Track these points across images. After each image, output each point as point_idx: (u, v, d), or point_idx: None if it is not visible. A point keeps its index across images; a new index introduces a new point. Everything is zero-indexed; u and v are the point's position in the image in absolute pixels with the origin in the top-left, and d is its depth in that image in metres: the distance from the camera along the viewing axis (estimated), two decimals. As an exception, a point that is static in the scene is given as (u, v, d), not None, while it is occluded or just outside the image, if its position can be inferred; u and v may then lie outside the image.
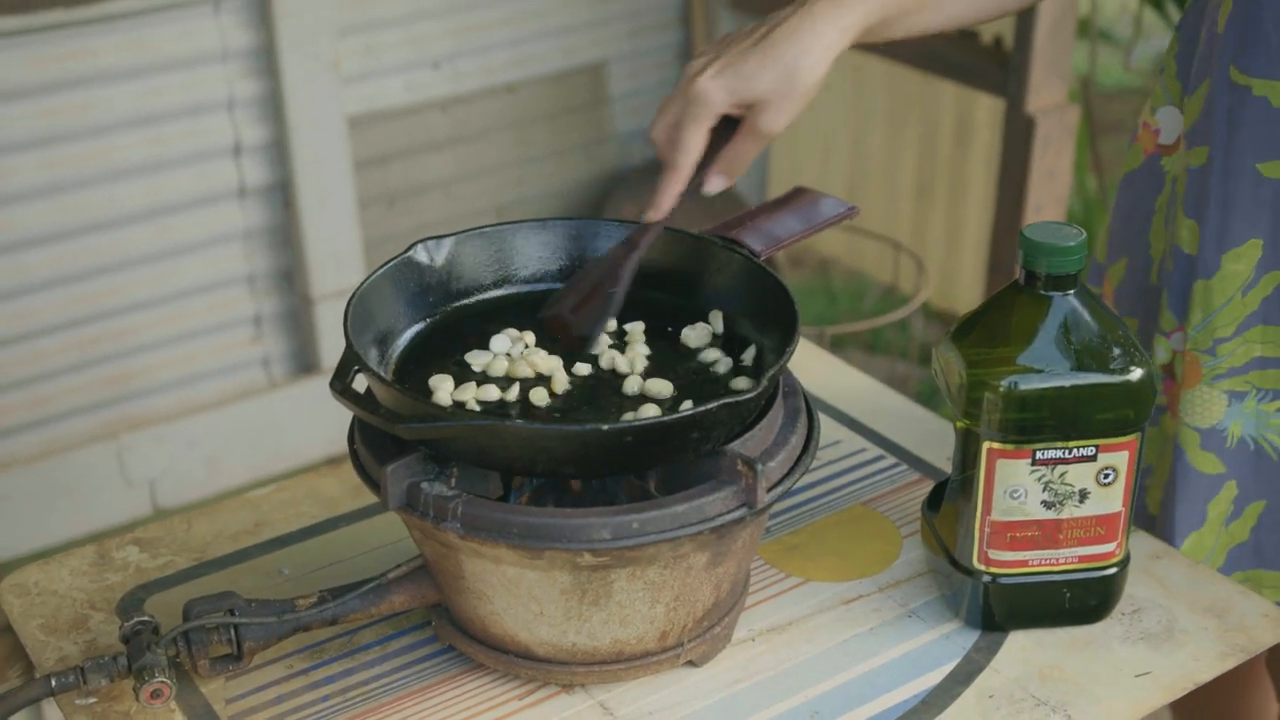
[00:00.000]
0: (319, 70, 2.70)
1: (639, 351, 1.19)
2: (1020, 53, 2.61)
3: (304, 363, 2.86)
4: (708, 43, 3.19)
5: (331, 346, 2.81)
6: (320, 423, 2.83)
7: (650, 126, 1.25)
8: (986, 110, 2.93)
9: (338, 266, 2.82)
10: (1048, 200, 2.70)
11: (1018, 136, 2.65)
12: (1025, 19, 2.59)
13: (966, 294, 3.11)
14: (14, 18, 2.39)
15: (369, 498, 1.30)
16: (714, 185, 1.23)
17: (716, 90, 1.19)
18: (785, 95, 1.19)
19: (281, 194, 2.76)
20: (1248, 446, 1.44)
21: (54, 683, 0.98)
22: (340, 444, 2.80)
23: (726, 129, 1.22)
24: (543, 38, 3.06)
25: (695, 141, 1.19)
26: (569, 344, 1.18)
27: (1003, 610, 1.13)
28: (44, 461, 2.56)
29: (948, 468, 1.30)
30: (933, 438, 1.42)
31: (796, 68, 1.19)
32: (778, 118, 1.20)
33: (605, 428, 1.01)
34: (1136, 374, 1.12)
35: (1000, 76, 2.67)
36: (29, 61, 2.43)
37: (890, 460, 1.37)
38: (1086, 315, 1.14)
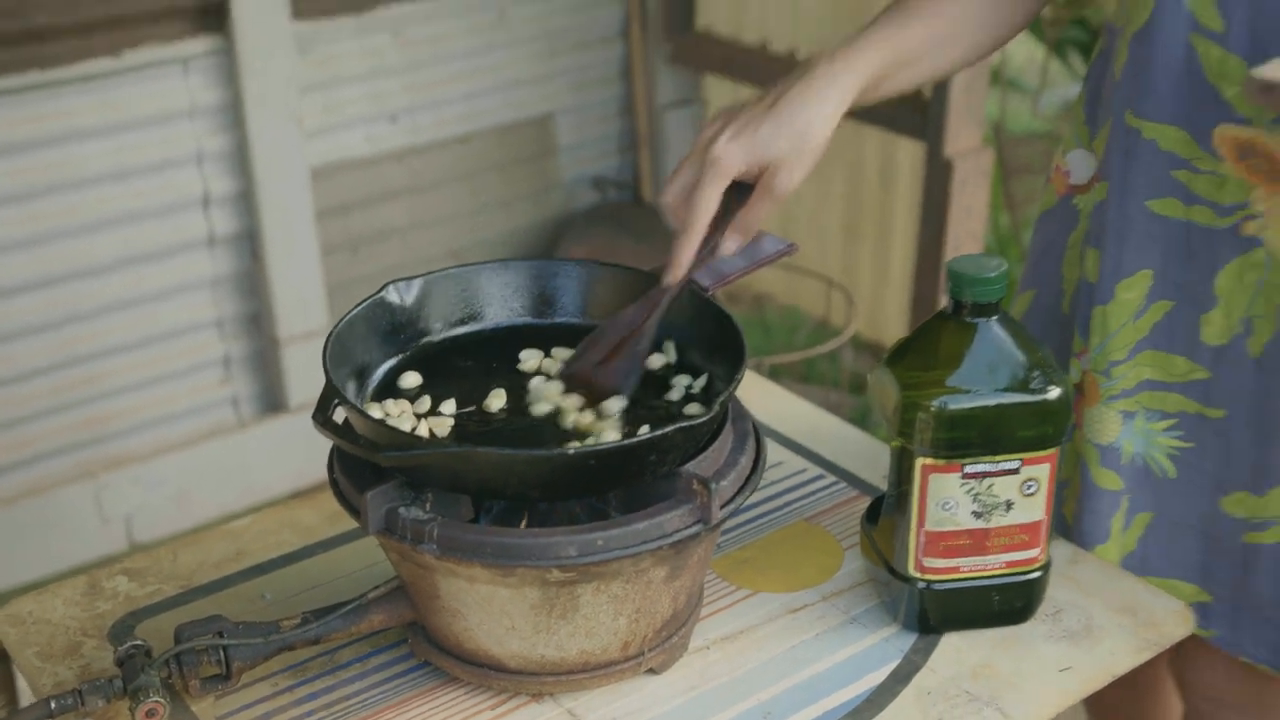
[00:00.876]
0: (283, 125, 2.70)
1: None
2: (938, 101, 2.64)
3: (271, 402, 2.86)
4: (643, 98, 3.26)
5: (298, 386, 2.83)
6: (287, 459, 2.81)
7: (662, 193, 1.26)
8: (908, 154, 2.97)
9: (303, 310, 2.81)
10: (965, 237, 2.73)
11: (937, 179, 2.68)
12: None
13: (893, 325, 3.13)
14: (10, 74, 2.38)
15: (344, 525, 1.31)
16: (730, 246, 1.24)
17: (735, 153, 1.21)
18: (798, 156, 1.23)
19: (249, 242, 2.76)
20: (1138, 463, 1.46)
21: (53, 705, 0.98)
22: (306, 478, 2.81)
23: (731, 194, 1.23)
24: (493, 92, 3.08)
25: (712, 202, 1.21)
26: (596, 397, 1.18)
27: (937, 614, 1.15)
28: (25, 500, 2.54)
29: (883, 484, 1.33)
30: (867, 457, 1.44)
31: (808, 131, 1.23)
32: (792, 177, 1.23)
33: (571, 452, 1.03)
34: (1054, 393, 1.15)
35: (920, 123, 2.70)
36: (7, 122, 2.42)
37: (830, 479, 1.39)
38: (1008, 340, 1.17)
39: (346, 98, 2.86)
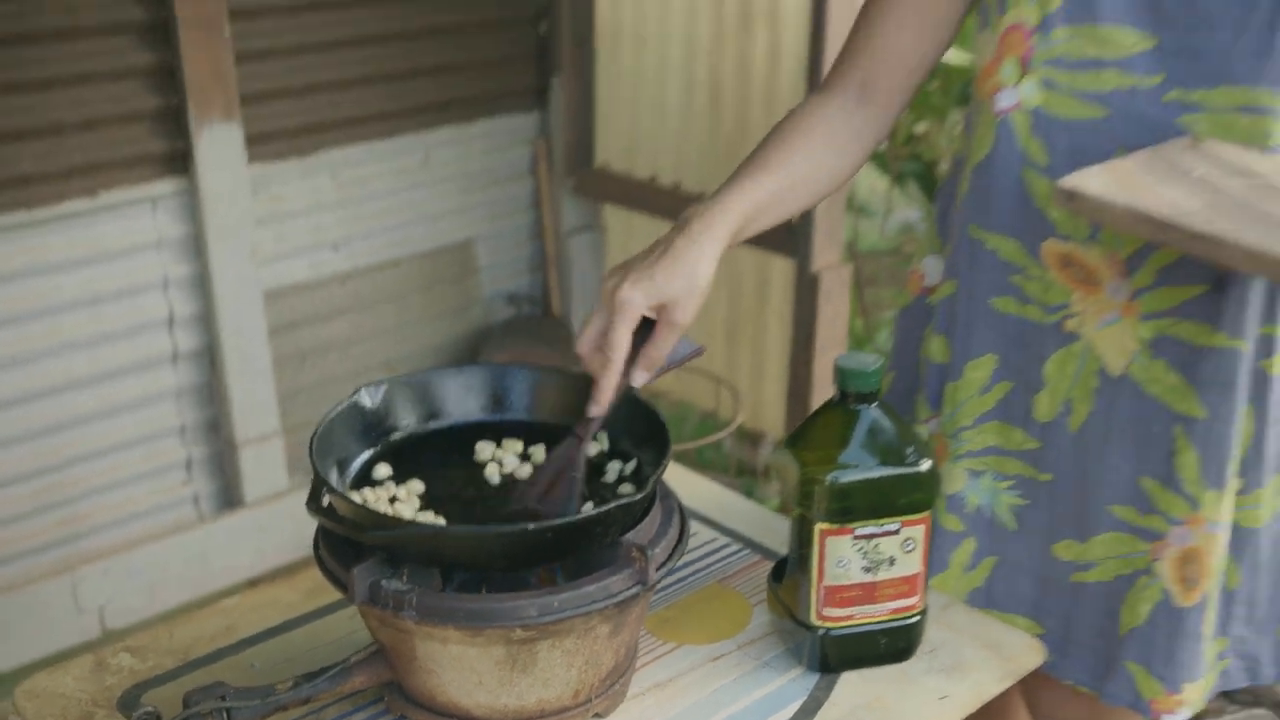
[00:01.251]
0: (240, 254, 2.69)
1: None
2: (804, 225, 2.68)
3: (228, 499, 2.81)
4: (551, 225, 3.30)
5: (252, 484, 2.79)
6: (243, 549, 2.78)
7: (577, 343, 1.28)
8: (780, 270, 2.99)
9: (257, 417, 2.78)
10: (830, 340, 2.75)
11: (806, 290, 2.72)
12: None
13: (771, 417, 3.14)
14: None
15: (320, 601, 1.32)
16: (641, 379, 1.26)
17: (638, 297, 1.23)
18: (689, 294, 1.25)
19: (208, 357, 2.73)
20: (984, 514, 1.50)
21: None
22: (260, 565, 2.79)
23: (636, 333, 1.25)
24: (420, 222, 3.08)
25: (625, 340, 1.23)
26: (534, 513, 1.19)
27: (836, 656, 1.18)
28: (7, 594, 2.49)
29: (779, 549, 1.37)
30: (764, 527, 1.47)
31: (694, 272, 1.25)
32: (687, 312, 1.25)
33: (531, 528, 1.06)
34: (926, 465, 1.19)
35: (791, 243, 2.73)
36: (5, 256, 2.40)
37: (735, 546, 1.42)
38: (886, 422, 1.20)
39: (293, 230, 2.85)
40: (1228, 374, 1.36)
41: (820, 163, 1.44)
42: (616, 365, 1.24)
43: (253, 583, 2.68)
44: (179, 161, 2.61)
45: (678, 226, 1.30)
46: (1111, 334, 1.40)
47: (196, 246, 2.66)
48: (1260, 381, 1.38)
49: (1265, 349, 1.36)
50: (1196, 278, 1.34)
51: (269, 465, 2.81)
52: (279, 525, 2.79)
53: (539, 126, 3.28)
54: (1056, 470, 1.47)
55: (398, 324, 3.10)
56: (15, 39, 2.33)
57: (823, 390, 2.75)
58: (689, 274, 1.26)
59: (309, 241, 2.89)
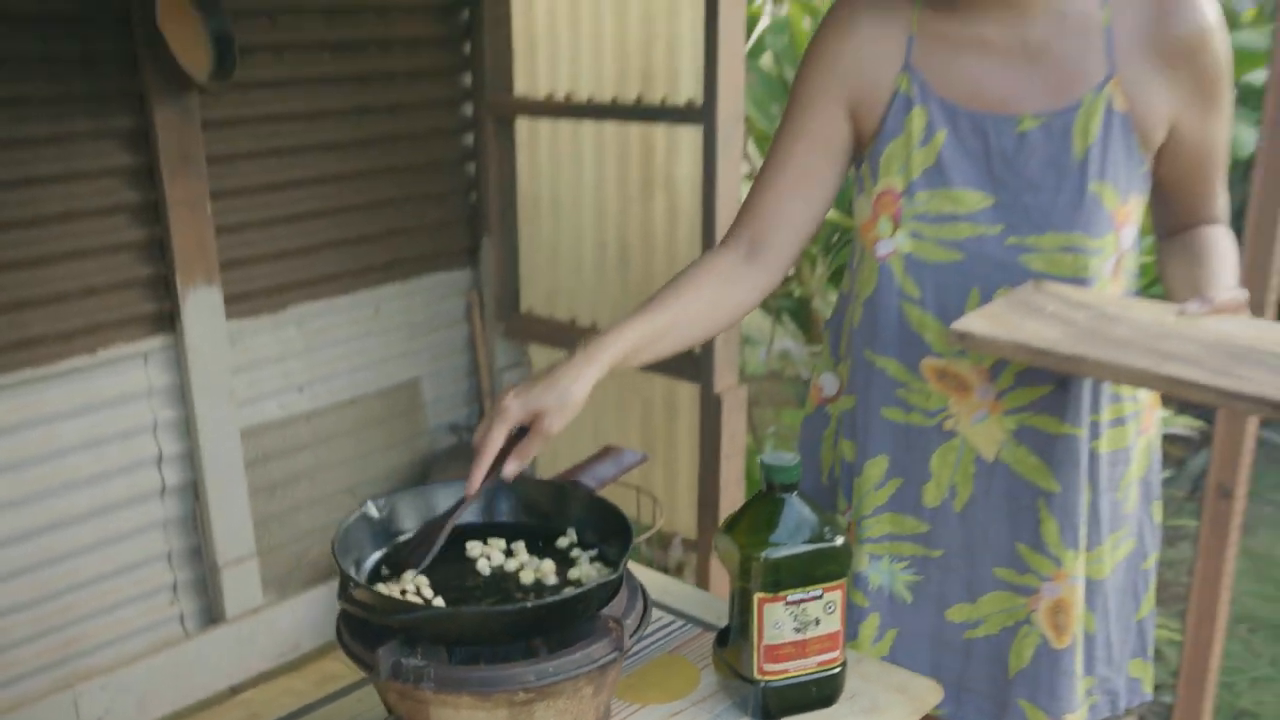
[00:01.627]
0: (220, 399, 2.68)
1: (525, 558, 1.30)
2: (706, 353, 2.71)
3: (211, 616, 2.76)
4: (485, 364, 3.32)
5: (233, 601, 2.74)
6: (225, 661, 2.71)
7: (474, 437, 1.32)
8: (687, 392, 3.00)
9: (235, 541, 2.75)
10: (732, 450, 2.77)
11: (710, 409, 2.75)
12: None
13: (684, 521, 3.13)
14: (10, 373, 2.35)
15: (329, 688, 1.35)
16: (510, 471, 1.31)
17: (515, 406, 1.29)
18: (560, 409, 1.30)
19: (192, 490, 2.70)
20: (884, 591, 1.55)
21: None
22: (240, 675, 2.70)
23: (515, 437, 1.31)
24: (373, 366, 3.08)
25: (498, 439, 1.28)
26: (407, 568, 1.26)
27: (775, 705, 1.23)
28: (13, 713, 2.43)
29: (714, 623, 1.42)
30: (702, 606, 1.51)
31: (567, 391, 1.30)
32: (555, 423, 1.30)
33: (530, 605, 1.13)
34: (839, 541, 1.23)
35: (695, 370, 2.77)
36: (6, 408, 2.37)
37: (680, 622, 1.46)
38: (805, 507, 1.25)
39: (265, 375, 2.84)
40: (1073, 455, 1.43)
41: (712, 304, 1.48)
42: (486, 458, 1.28)
43: (234, 689, 2.64)
44: (167, 320, 2.60)
45: (568, 353, 1.35)
46: (983, 428, 1.46)
47: (182, 393, 2.65)
48: (1093, 459, 1.45)
49: (1094, 433, 1.44)
50: (1045, 379, 1.41)
51: (246, 584, 2.77)
52: (257, 637, 2.73)
53: (472, 280, 3.30)
54: (946, 546, 1.51)
55: (356, 454, 3.08)
56: (29, 221, 2.34)
57: (729, 494, 2.76)
58: (562, 392, 1.30)
59: (279, 385, 2.88)
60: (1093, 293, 1.37)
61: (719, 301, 1.49)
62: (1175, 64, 1.35)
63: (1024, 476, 1.45)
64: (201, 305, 2.61)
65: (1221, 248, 1.43)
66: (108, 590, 2.61)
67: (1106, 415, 1.45)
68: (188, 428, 2.67)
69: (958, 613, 1.53)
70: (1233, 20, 4.43)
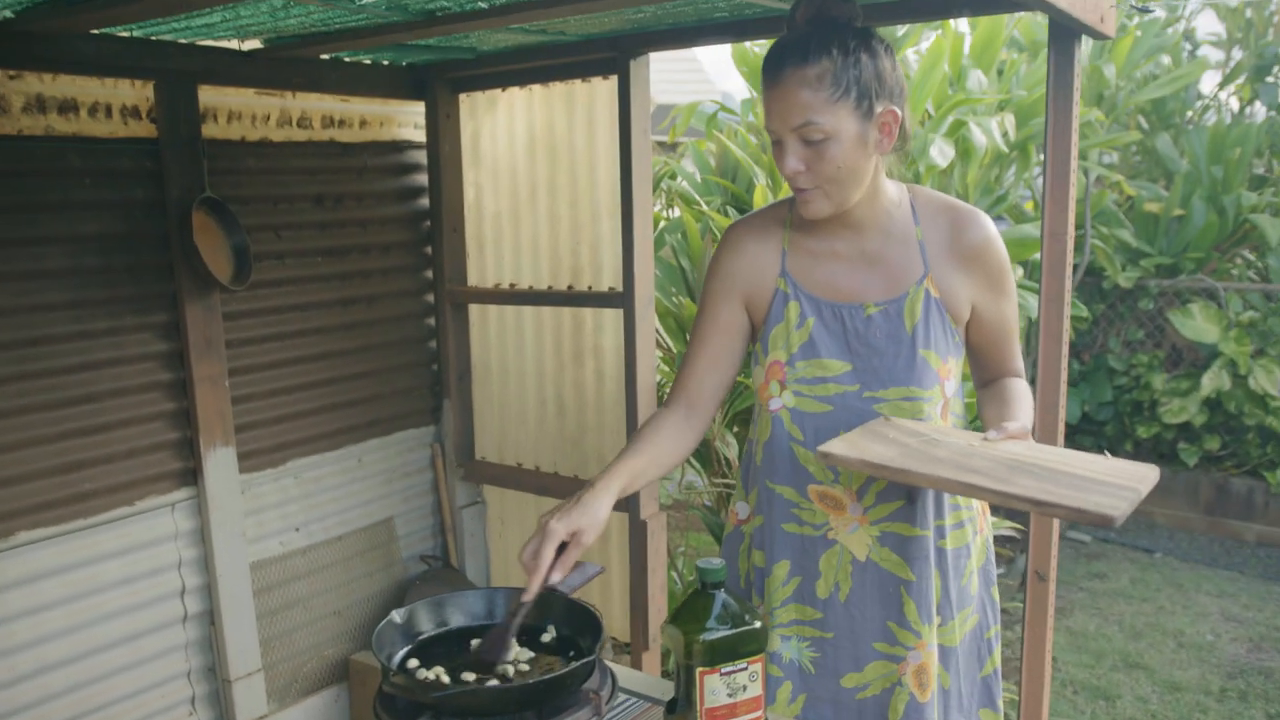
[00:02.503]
0: (233, 538, 2.73)
1: (523, 653, 1.43)
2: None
3: None
4: (447, 503, 3.37)
5: (243, 710, 2.75)
6: None
7: (520, 554, 1.45)
8: (617, 519, 3.02)
9: (244, 658, 2.77)
10: (656, 565, 2.84)
11: (638, 533, 2.83)
12: None
13: (618, 627, 3.18)
14: (48, 528, 2.40)
15: None
16: (556, 579, 1.43)
17: (559, 527, 1.43)
18: (591, 527, 1.45)
19: (209, 617, 2.73)
20: (794, 664, 1.65)
21: None
22: None
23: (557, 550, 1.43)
24: (356, 507, 3.14)
25: (548, 554, 1.41)
26: (487, 667, 1.37)
27: None
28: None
29: (665, 696, 1.49)
30: (652, 685, 1.59)
31: (596, 514, 1.45)
32: (589, 537, 1.45)
33: (548, 678, 1.27)
34: (757, 624, 1.34)
35: (624, 500, 2.80)
36: (57, 555, 2.43)
37: (635, 700, 1.54)
38: (731, 601, 1.35)
39: (269, 517, 2.90)
40: (924, 551, 1.59)
41: (670, 449, 1.66)
42: (541, 569, 1.42)
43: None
44: (190, 476, 2.66)
45: (586, 486, 1.50)
46: (855, 536, 1.61)
47: (202, 535, 2.69)
48: (940, 554, 1.62)
49: (939, 534, 1.62)
50: (897, 495, 1.59)
51: (254, 695, 2.79)
52: (262, 741, 2.77)
53: (436, 434, 3.37)
54: (836, 629, 1.64)
55: (342, 582, 3.11)
56: (85, 398, 2.44)
57: (655, 601, 2.82)
58: (593, 514, 1.46)
59: (280, 525, 2.93)
60: (925, 425, 1.57)
61: (674, 447, 1.67)
62: (969, 264, 1.61)
63: (889, 570, 1.62)
64: (219, 462, 2.70)
65: (1018, 393, 1.65)
66: (136, 705, 2.62)
67: (949, 520, 1.62)
68: (206, 564, 2.71)
69: (849, 680, 1.66)
70: (1019, 215, 4.89)
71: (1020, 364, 1.72)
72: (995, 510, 5.36)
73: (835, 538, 1.63)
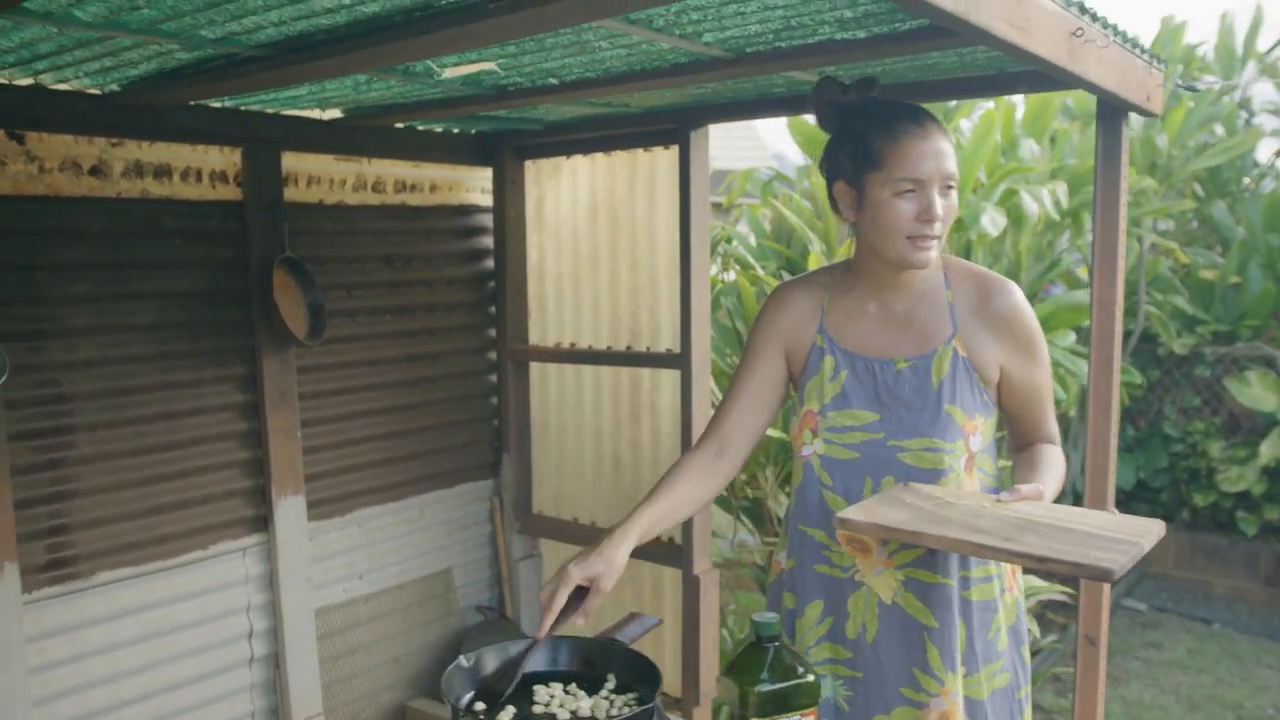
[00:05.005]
0: (300, 584, 2.82)
1: (586, 701, 1.49)
2: (686, 543, 2.87)
3: None
4: (504, 555, 3.46)
5: None
6: None
7: (540, 594, 1.52)
8: (670, 576, 3.12)
9: (307, 701, 2.83)
10: (709, 621, 2.87)
11: (690, 588, 2.87)
12: (688, 524, 2.88)
13: (670, 681, 3.06)
14: (128, 569, 2.50)
15: None
16: (581, 621, 1.51)
17: (576, 571, 1.51)
18: (609, 572, 1.53)
19: (274, 660, 2.81)
20: (829, 702, 1.71)
21: None
22: None
23: (577, 594, 1.51)
24: (415, 557, 3.22)
25: (562, 598, 1.49)
26: (493, 696, 1.45)
27: None
28: None
29: None
30: None
31: (613, 560, 1.53)
32: (607, 583, 1.52)
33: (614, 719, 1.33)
34: (811, 677, 1.36)
35: (677, 557, 2.90)
36: (138, 594, 2.53)
37: None
38: (785, 653, 1.37)
39: (334, 565, 2.98)
40: (946, 599, 1.63)
41: (693, 494, 1.73)
42: (554, 610, 1.49)
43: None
44: (261, 522, 2.76)
45: (605, 533, 1.58)
46: (881, 579, 1.66)
47: (271, 581, 2.78)
48: (965, 605, 1.66)
49: (964, 585, 1.65)
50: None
51: None
52: (321, 782, 2.82)
53: (495, 488, 3.46)
54: (865, 669, 1.69)
55: (402, 629, 3.18)
56: (167, 445, 2.56)
57: (706, 658, 2.85)
58: (609, 560, 1.54)
59: (344, 573, 3.02)
60: (941, 489, 1.61)
61: (698, 492, 1.75)
62: (998, 329, 1.67)
63: (912, 615, 1.66)
64: (289, 510, 2.80)
65: (1046, 459, 1.70)
66: (202, 745, 2.69)
67: (976, 573, 1.67)
68: (274, 609, 2.80)
69: None
70: (1073, 281, 4.91)
71: (1054, 429, 1.77)
72: (1045, 576, 5.31)
73: (862, 580, 1.69)
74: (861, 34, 1.86)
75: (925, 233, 1.62)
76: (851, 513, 1.52)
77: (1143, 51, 2.12)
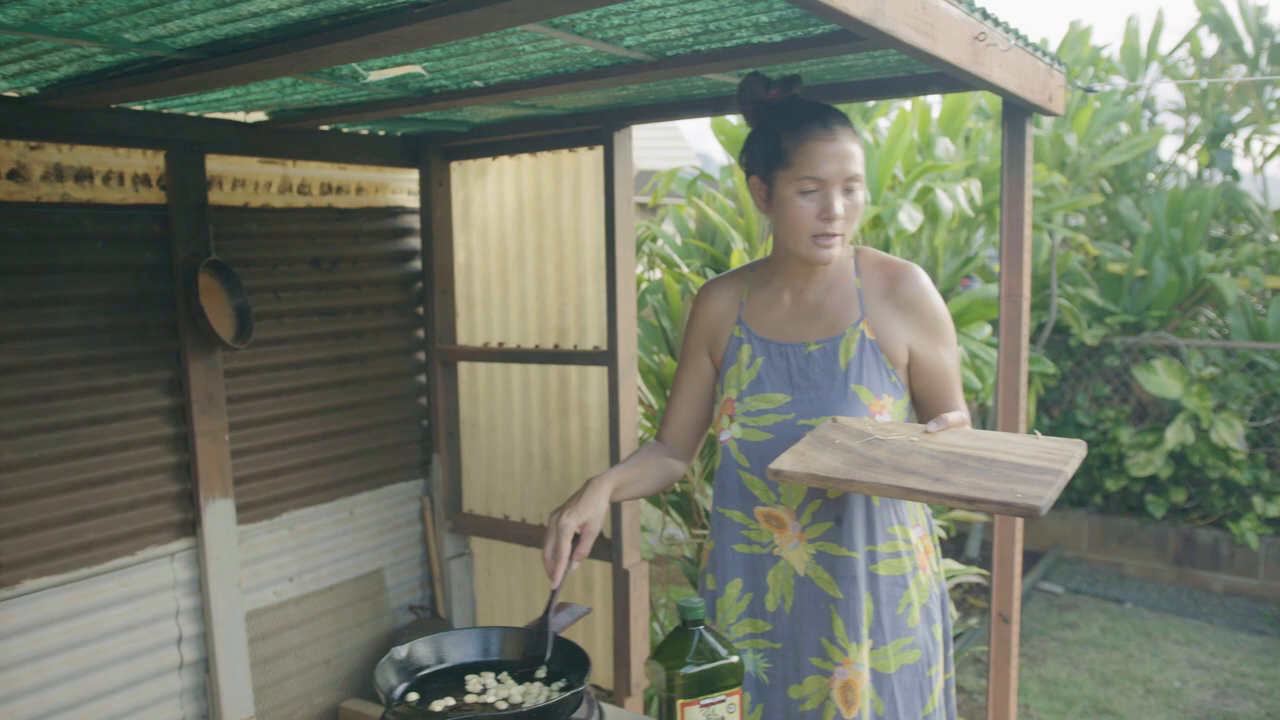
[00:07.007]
0: (229, 588, 2.81)
1: (516, 688, 1.52)
2: (616, 538, 2.91)
3: None
4: (435, 554, 3.47)
5: None
6: None
7: (543, 554, 1.58)
8: (601, 570, 3.17)
9: (238, 706, 2.82)
10: (639, 613, 2.92)
11: (620, 581, 2.92)
12: (618, 517, 2.93)
13: (601, 675, 3.22)
14: (52, 576, 2.47)
15: None
16: (575, 566, 1.58)
17: (571, 521, 1.58)
18: (596, 518, 1.60)
19: (205, 665, 2.80)
20: (751, 676, 1.77)
21: None
22: None
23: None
24: (347, 558, 3.22)
25: (567, 547, 1.56)
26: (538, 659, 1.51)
27: None
28: None
29: None
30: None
31: (599, 506, 1.61)
32: (596, 527, 1.60)
33: (542, 706, 1.36)
34: (735, 658, 1.42)
35: (607, 550, 2.93)
36: (62, 602, 2.50)
37: None
38: (710, 636, 1.43)
39: (264, 568, 2.98)
40: (852, 572, 1.69)
41: (654, 472, 1.82)
42: (563, 560, 1.56)
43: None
44: (189, 526, 2.75)
45: (584, 484, 1.66)
46: (795, 553, 1.73)
47: (200, 585, 2.77)
48: (872, 579, 1.72)
49: (871, 558, 1.72)
50: (828, 517, 1.70)
51: None
52: (254, 787, 2.82)
53: (425, 488, 3.47)
54: (783, 640, 1.76)
55: (334, 630, 3.18)
56: (93, 450, 2.54)
57: (637, 650, 2.91)
58: (596, 505, 1.62)
59: (274, 575, 3.01)
60: (870, 422, 1.66)
61: (660, 471, 1.85)
62: (905, 311, 1.75)
63: (821, 588, 1.73)
64: (218, 514, 2.79)
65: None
66: (130, 753, 2.66)
67: (883, 547, 1.74)
68: (203, 613, 2.79)
69: (794, 691, 1.77)
70: (988, 275, 5.07)
71: (964, 412, 1.84)
72: (958, 555, 5.46)
73: (780, 554, 1.76)
74: (778, 37, 1.93)
75: (826, 230, 1.69)
76: (784, 462, 1.53)
77: (1044, 54, 2.24)
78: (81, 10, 1.61)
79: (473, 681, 1.57)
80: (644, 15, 1.77)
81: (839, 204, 1.68)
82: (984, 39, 1.89)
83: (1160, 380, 5.47)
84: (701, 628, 1.45)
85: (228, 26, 1.75)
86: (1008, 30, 2.02)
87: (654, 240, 4.13)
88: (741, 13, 1.76)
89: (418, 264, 3.42)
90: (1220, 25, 6.55)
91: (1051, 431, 6.01)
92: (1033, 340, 5.88)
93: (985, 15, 1.90)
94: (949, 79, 2.20)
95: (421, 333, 3.45)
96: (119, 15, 1.65)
